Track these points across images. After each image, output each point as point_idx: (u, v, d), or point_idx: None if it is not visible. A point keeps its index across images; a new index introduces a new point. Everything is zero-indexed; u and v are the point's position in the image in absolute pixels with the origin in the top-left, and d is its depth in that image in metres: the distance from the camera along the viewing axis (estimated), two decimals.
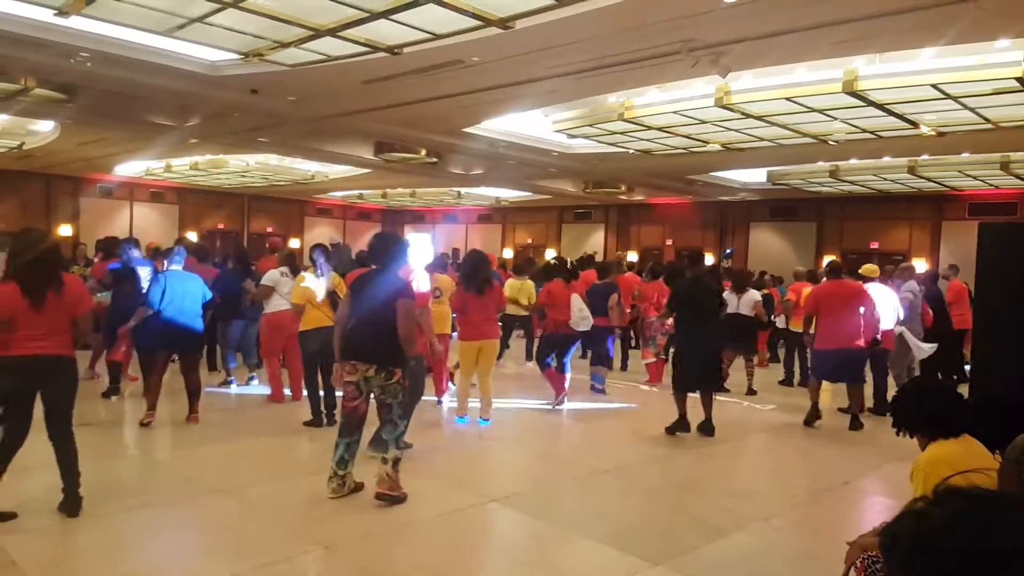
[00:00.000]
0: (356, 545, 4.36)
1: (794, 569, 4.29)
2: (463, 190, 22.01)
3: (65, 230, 19.95)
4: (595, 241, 24.03)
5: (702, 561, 4.26)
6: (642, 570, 4.08)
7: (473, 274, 7.53)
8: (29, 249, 4.42)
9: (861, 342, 7.91)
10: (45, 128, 14.42)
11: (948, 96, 9.04)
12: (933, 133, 10.95)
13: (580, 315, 8.52)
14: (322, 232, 26.08)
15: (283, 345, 8.10)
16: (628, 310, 10.68)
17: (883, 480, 6.22)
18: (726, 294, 9.84)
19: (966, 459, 2.96)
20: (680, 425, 7.32)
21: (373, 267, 5.32)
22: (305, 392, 7.54)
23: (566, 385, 8.53)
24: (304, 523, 4.67)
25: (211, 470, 5.81)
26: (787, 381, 10.63)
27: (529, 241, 25.82)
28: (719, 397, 7.81)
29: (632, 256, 21.37)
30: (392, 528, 4.64)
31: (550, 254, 22.12)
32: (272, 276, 8.12)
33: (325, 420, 7.17)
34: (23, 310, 4.28)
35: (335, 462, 5.07)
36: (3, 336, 4.28)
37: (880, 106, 9.57)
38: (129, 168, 19.26)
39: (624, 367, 11.52)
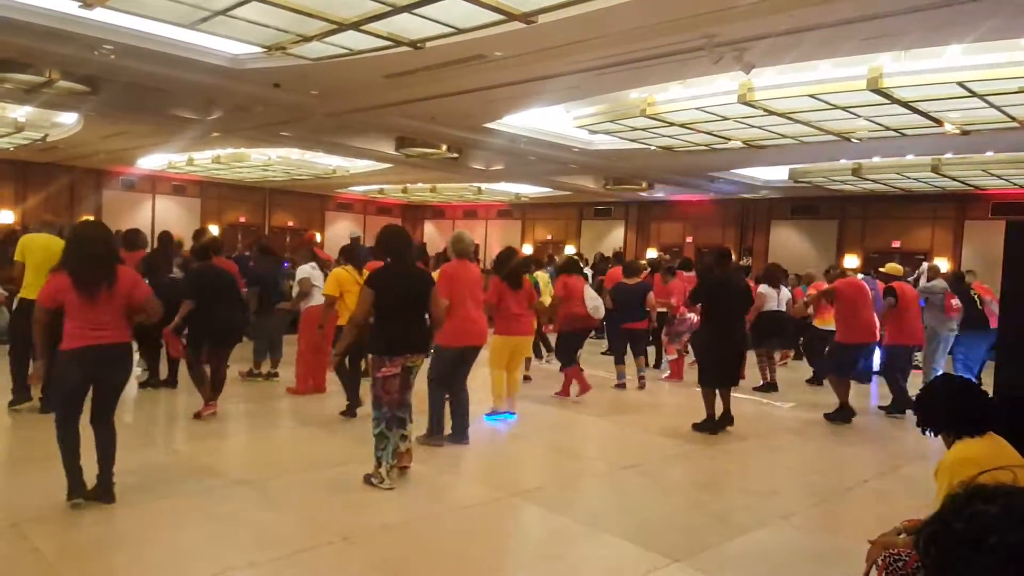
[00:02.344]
0: (376, 537, 4.38)
1: (814, 567, 4.26)
2: (483, 186, 22.02)
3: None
4: (615, 238, 23.98)
5: (722, 558, 4.25)
6: (662, 566, 4.07)
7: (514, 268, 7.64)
8: (83, 245, 4.52)
9: None
10: (69, 120, 14.56)
11: (974, 94, 8.93)
12: (957, 131, 10.82)
13: (593, 303, 8.72)
14: (344, 227, 26.21)
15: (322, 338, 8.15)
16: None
17: (903, 479, 6.17)
18: (763, 289, 9.89)
19: (992, 457, 2.93)
20: (711, 425, 7.32)
21: (388, 261, 5.36)
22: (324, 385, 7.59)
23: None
24: (324, 515, 4.70)
25: (233, 462, 5.86)
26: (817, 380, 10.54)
27: (548, 237, 25.80)
28: (736, 395, 7.78)
29: (651, 253, 21.29)
30: (412, 520, 4.67)
31: (570, 250, 22.12)
32: (304, 270, 8.25)
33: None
34: (75, 302, 4.39)
35: (389, 455, 5.18)
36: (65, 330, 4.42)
37: (904, 104, 9.47)
38: (151, 161, 19.45)
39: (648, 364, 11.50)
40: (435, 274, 6.37)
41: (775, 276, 10.38)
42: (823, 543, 4.70)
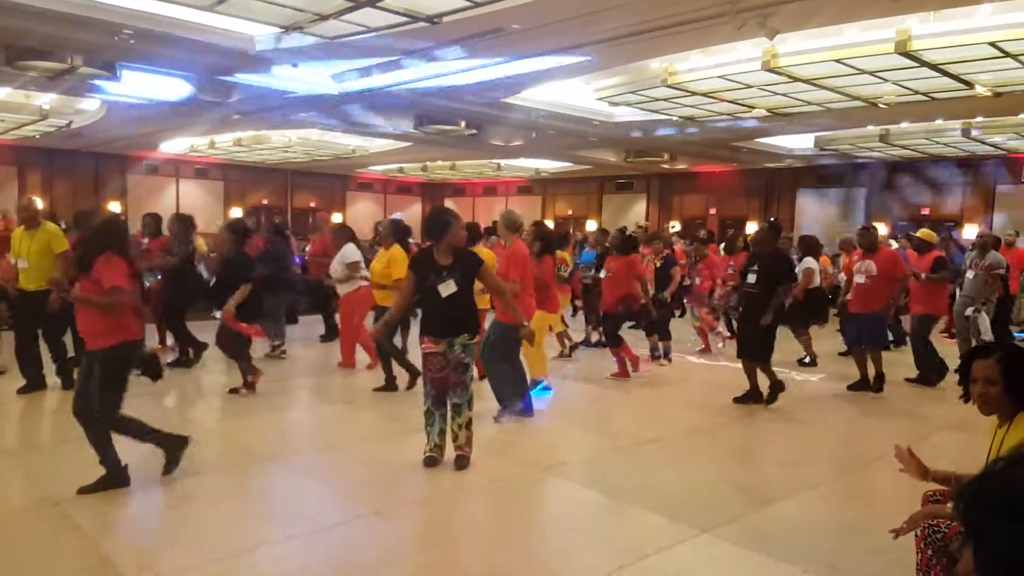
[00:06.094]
0: (408, 510, 4.43)
1: (843, 537, 4.23)
2: (503, 162, 21.96)
3: (114, 207, 20.42)
4: (637, 212, 23.82)
5: (750, 529, 4.24)
6: (690, 537, 4.07)
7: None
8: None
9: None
10: (92, 107, 14.68)
11: (1006, 54, 8.73)
12: (989, 93, 10.58)
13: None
14: (364, 207, 26.31)
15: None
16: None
17: (933, 449, 6.08)
18: (811, 263, 9.71)
19: None
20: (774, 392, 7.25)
21: (431, 243, 5.30)
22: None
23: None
24: (357, 489, 4.76)
25: (265, 438, 5.93)
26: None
27: (569, 212, 25.71)
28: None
29: (676, 227, 21.12)
30: (443, 494, 4.71)
31: (591, 226, 22.02)
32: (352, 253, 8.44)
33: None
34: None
35: (436, 434, 5.20)
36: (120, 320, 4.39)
37: (934, 66, 9.27)
38: (174, 145, 19.59)
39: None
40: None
41: (816, 249, 10.20)
42: (852, 513, 4.67)
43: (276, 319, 9.37)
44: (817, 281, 9.84)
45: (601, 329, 9.60)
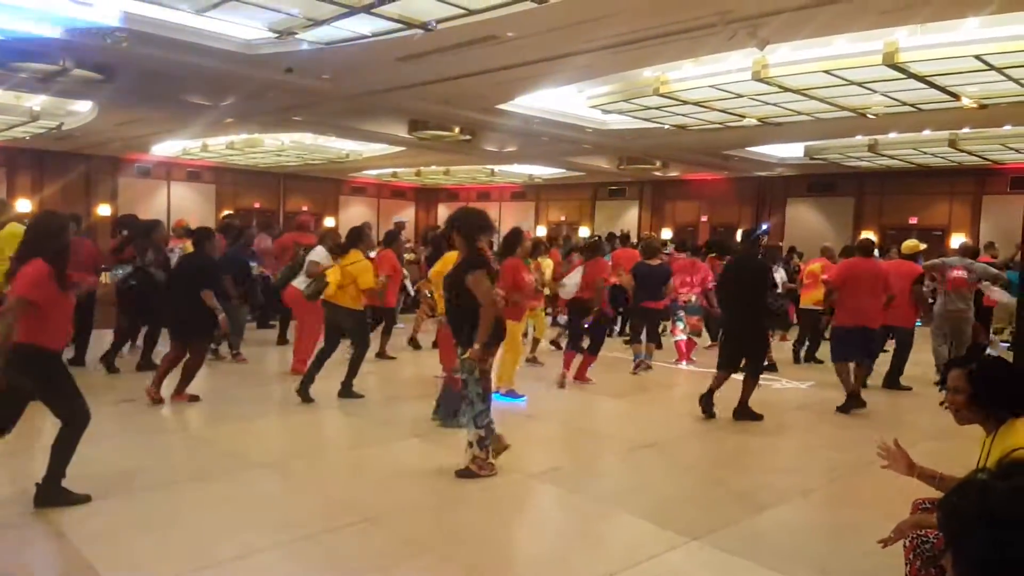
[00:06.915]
0: (398, 517, 4.43)
1: (834, 543, 4.27)
2: (496, 167, 21.98)
3: (104, 210, 20.34)
4: (629, 218, 23.88)
5: (741, 535, 4.27)
6: (681, 544, 4.09)
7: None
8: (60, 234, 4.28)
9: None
10: (83, 109, 14.63)
11: (992, 67, 8.82)
12: (975, 105, 10.69)
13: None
14: (357, 211, 26.24)
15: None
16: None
17: (921, 457, 5.99)
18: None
19: None
20: (706, 405, 7.12)
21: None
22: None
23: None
24: (346, 495, 4.76)
25: (252, 445, 5.93)
26: (795, 360, 10.47)
27: (562, 218, 25.74)
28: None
29: (667, 233, 21.17)
30: (433, 501, 4.71)
31: (584, 232, 22.09)
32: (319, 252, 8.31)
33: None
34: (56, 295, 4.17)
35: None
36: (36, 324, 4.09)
37: (921, 78, 9.36)
38: (166, 148, 19.53)
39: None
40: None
41: (772, 256, 10.27)
42: (843, 519, 4.70)
43: (233, 328, 9.16)
44: None
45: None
